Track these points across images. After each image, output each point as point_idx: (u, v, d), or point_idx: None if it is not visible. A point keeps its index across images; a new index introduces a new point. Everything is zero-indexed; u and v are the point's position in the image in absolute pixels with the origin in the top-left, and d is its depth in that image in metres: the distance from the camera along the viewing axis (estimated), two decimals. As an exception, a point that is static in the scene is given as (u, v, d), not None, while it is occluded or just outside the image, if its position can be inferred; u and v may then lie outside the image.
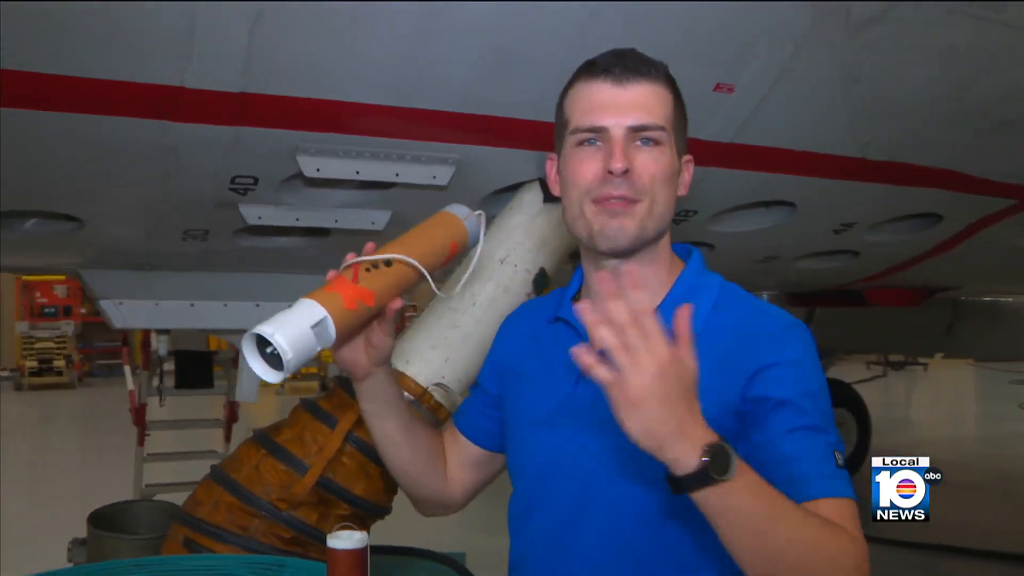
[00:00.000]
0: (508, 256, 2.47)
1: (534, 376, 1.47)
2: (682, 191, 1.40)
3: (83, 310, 16.75)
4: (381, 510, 2.29)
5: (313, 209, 2.63)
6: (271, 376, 1.23)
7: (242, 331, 3.13)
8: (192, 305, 3.12)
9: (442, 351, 2.34)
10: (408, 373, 2.31)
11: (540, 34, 2.14)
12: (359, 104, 2.21)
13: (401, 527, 2.42)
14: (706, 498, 1.07)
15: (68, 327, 16.26)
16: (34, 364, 15.77)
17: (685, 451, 1.05)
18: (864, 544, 1.20)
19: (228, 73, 2.01)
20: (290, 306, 1.23)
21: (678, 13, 2.18)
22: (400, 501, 2.11)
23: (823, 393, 1.33)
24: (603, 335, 1.06)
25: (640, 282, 1.20)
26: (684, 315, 1.08)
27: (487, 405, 1.59)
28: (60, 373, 15.81)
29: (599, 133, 1.33)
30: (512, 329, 1.61)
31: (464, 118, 2.35)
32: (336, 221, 2.66)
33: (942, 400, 16.23)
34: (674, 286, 1.40)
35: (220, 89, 2.04)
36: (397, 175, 2.45)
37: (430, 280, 1.39)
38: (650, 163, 1.32)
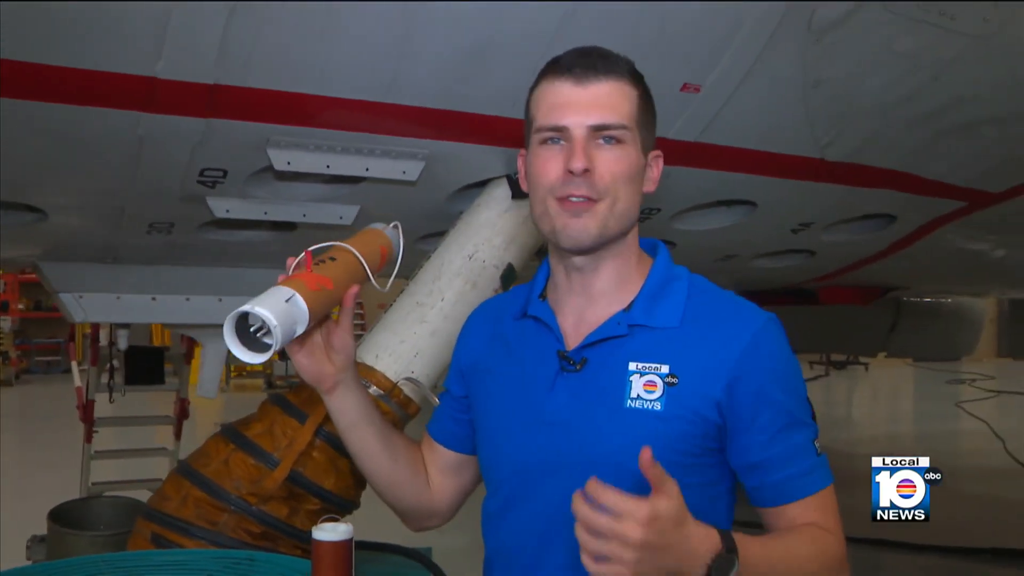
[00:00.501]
0: (476, 252, 2.48)
1: (505, 374, 1.48)
2: (650, 187, 1.42)
3: (21, 306, 16.40)
4: (350, 504, 2.28)
5: (281, 203, 2.61)
6: (257, 358, 1.27)
7: (203, 326, 3.12)
8: (154, 299, 3.07)
9: (411, 346, 2.34)
10: (378, 368, 2.30)
11: (513, 31, 2.15)
12: (331, 98, 2.21)
13: (366, 524, 2.42)
14: None
15: (5, 323, 15.89)
16: (-32, 361, 15.38)
17: (691, 572, 1.09)
18: (842, 534, 1.29)
19: (201, 65, 1.99)
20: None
21: (649, 13, 2.20)
22: (366, 497, 2.11)
23: (799, 381, 1.38)
24: (583, 538, 1.09)
25: (606, 283, 1.34)
26: (648, 457, 1.08)
27: (455, 409, 1.60)
28: (-4, 370, 15.47)
29: (561, 132, 1.34)
30: (475, 328, 1.62)
31: (435, 114, 2.35)
32: (304, 215, 2.65)
33: (883, 399, 16.60)
34: (647, 280, 1.42)
35: (193, 80, 2.02)
36: (367, 169, 2.44)
37: (367, 268, 1.46)
38: (611, 162, 1.33)
